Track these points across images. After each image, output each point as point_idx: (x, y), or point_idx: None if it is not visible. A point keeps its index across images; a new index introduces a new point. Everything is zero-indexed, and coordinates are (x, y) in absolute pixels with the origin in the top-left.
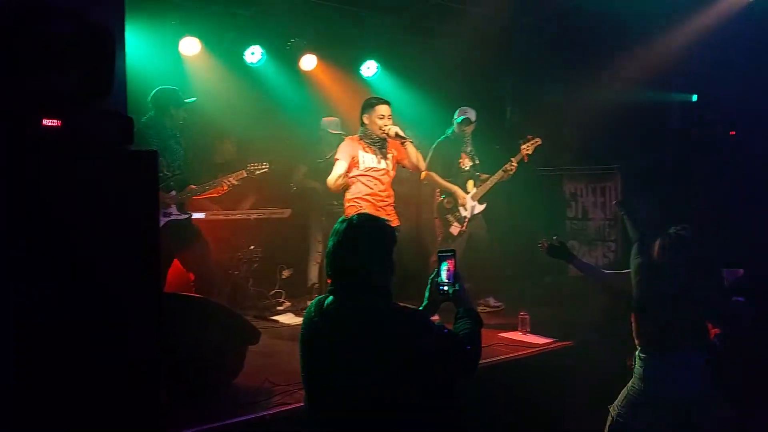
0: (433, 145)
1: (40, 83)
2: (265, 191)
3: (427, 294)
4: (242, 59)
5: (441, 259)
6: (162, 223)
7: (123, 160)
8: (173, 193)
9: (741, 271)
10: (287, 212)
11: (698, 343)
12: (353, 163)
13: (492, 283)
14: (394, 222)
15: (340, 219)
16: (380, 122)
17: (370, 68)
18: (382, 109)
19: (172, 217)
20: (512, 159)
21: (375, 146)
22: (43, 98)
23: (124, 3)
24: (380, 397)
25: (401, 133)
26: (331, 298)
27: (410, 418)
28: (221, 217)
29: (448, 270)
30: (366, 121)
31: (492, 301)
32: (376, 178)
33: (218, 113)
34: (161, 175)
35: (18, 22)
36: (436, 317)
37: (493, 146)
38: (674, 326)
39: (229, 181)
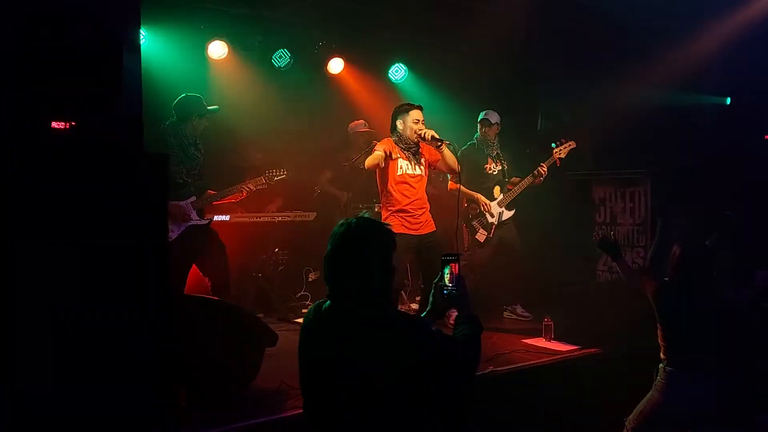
0: (458, 154)
1: (49, 87)
2: (291, 195)
3: (431, 299)
4: (269, 62)
5: (444, 263)
6: (182, 228)
7: (132, 162)
8: (193, 198)
9: None
10: (312, 215)
11: (724, 362)
12: (392, 168)
13: (521, 290)
14: (430, 228)
15: (340, 222)
16: (415, 126)
17: (398, 71)
18: (417, 114)
19: (192, 222)
20: (543, 163)
21: (409, 152)
22: (52, 101)
23: (139, 9)
24: (378, 403)
25: (437, 136)
26: (328, 302)
27: (409, 424)
28: (246, 219)
29: (451, 273)
30: (400, 126)
31: (519, 310)
32: (412, 186)
33: (244, 117)
34: (180, 181)
35: (30, 26)
36: None
37: (524, 150)
38: (700, 342)
39: (247, 187)
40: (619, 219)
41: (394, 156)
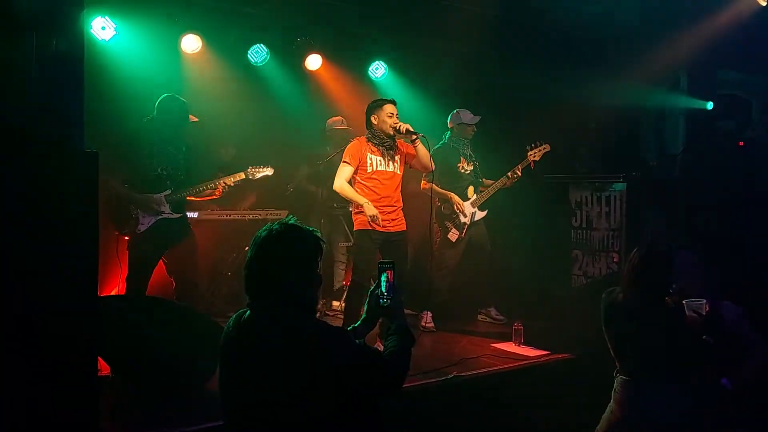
0: (430, 151)
1: None
2: (266, 192)
3: (365, 307)
4: (245, 58)
5: (381, 271)
6: (152, 221)
7: (61, 160)
8: (167, 191)
9: (706, 304)
10: (284, 214)
11: (680, 372)
12: (361, 166)
13: (496, 293)
14: (400, 227)
15: (263, 227)
16: (390, 120)
17: (378, 69)
18: (391, 108)
19: (164, 216)
20: (517, 166)
21: (383, 147)
22: None
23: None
24: (295, 415)
25: (412, 129)
26: (248, 312)
27: None
28: (216, 217)
29: (387, 282)
30: (375, 121)
31: (494, 313)
32: (382, 183)
33: (218, 113)
34: (154, 173)
35: None
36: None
37: (495, 150)
38: (652, 352)
39: (224, 183)
40: (595, 224)
41: (363, 160)
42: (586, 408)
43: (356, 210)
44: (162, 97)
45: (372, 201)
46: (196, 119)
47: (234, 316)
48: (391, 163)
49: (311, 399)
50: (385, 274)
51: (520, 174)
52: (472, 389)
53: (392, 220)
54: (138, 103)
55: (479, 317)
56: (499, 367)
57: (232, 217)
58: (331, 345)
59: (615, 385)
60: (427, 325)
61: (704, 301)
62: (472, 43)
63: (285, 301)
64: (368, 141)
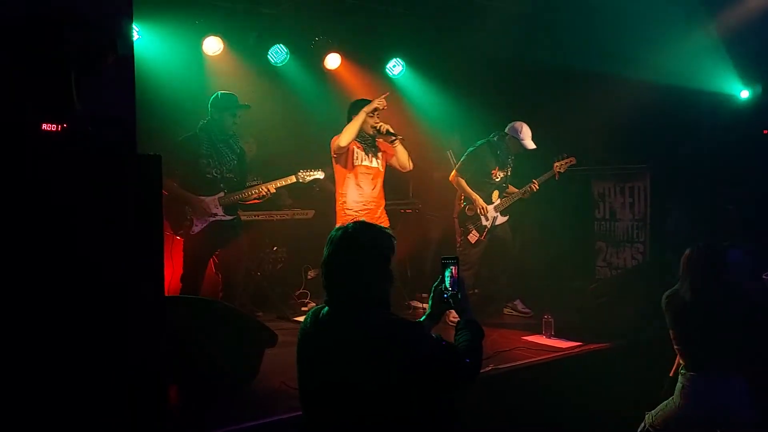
0: (470, 148)
1: (39, 88)
2: (291, 192)
3: (430, 302)
4: (265, 58)
5: (444, 266)
6: (206, 223)
7: (123, 164)
8: (221, 194)
9: None
10: (311, 213)
11: (741, 365)
12: (350, 153)
13: (521, 286)
14: (384, 224)
15: (336, 227)
16: (371, 120)
17: (396, 67)
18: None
19: (217, 218)
20: (535, 180)
21: (365, 144)
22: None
23: (131, 13)
24: (374, 409)
25: (392, 130)
26: (326, 308)
27: (405, 428)
28: (244, 218)
29: (451, 277)
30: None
31: (520, 306)
32: (366, 176)
33: (241, 113)
34: (209, 176)
35: (24, 28)
36: None
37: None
38: (714, 345)
39: (274, 186)
40: (619, 215)
41: (351, 148)
42: (622, 396)
43: (340, 210)
44: (213, 96)
45: (356, 196)
46: (247, 105)
47: (310, 312)
48: (374, 159)
49: (390, 393)
50: (449, 269)
51: (537, 188)
52: (512, 381)
53: (376, 219)
54: (164, 107)
55: (505, 311)
56: (536, 359)
57: (260, 217)
58: (410, 339)
59: (681, 380)
60: (453, 320)
61: None
62: (494, 38)
63: (362, 298)
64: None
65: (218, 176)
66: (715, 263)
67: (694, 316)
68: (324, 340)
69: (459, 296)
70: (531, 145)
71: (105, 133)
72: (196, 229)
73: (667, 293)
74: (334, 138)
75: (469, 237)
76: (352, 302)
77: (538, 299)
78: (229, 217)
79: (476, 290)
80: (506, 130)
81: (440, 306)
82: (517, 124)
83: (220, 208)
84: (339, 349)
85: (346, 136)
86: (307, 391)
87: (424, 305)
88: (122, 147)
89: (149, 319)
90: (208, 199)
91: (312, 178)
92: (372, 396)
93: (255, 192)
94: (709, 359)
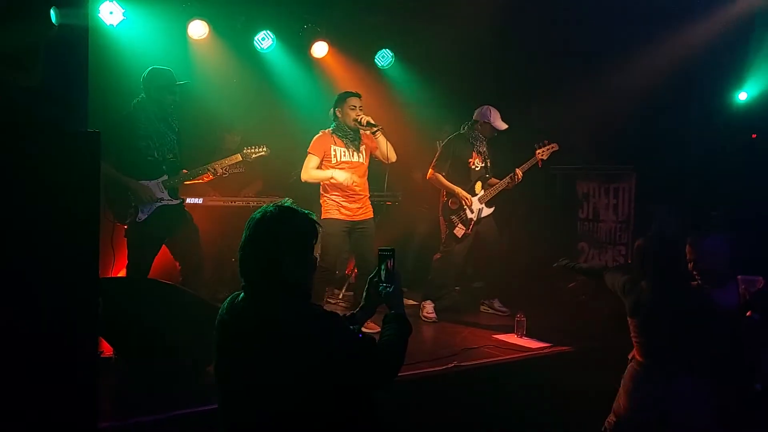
0: (443, 142)
1: None
2: (272, 179)
3: (365, 294)
4: (251, 44)
5: (381, 259)
6: (152, 208)
7: (60, 141)
8: (165, 177)
9: (760, 280)
10: (288, 201)
11: (702, 366)
12: (326, 158)
13: (500, 285)
14: (367, 215)
15: (258, 209)
16: (352, 113)
17: (384, 57)
18: (354, 101)
19: (163, 202)
20: (524, 164)
21: (347, 139)
22: None
23: None
24: (286, 400)
25: (372, 122)
26: (242, 295)
27: (320, 425)
28: (220, 203)
29: (386, 269)
30: (338, 114)
31: (497, 304)
32: (349, 171)
33: (224, 99)
34: (150, 158)
35: None
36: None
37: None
38: (673, 346)
39: (220, 166)
40: (602, 215)
41: (327, 152)
42: (586, 400)
43: (323, 196)
44: (146, 72)
45: (339, 190)
46: (186, 81)
47: (228, 298)
48: (355, 153)
49: (302, 385)
50: (385, 262)
51: (521, 178)
52: (471, 379)
53: (359, 208)
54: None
55: (482, 308)
56: (499, 358)
57: (236, 203)
58: (323, 330)
59: (628, 370)
60: (428, 315)
61: (759, 277)
62: (482, 29)
63: (279, 285)
64: (332, 133)
65: (159, 158)
66: (675, 257)
67: (654, 315)
68: (237, 328)
69: (392, 289)
70: (502, 125)
71: (43, 108)
72: (143, 216)
73: (627, 279)
74: (314, 140)
75: (455, 231)
76: (267, 290)
77: (517, 298)
78: (175, 201)
79: (457, 288)
80: (474, 117)
81: (374, 299)
82: (484, 108)
83: (165, 192)
84: (250, 339)
85: (306, 177)
86: (222, 381)
87: (408, 301)
88: (68, 123)
89: (83, 298)
90: (151, 183)
91: (257, 155)
92: (283, 387)
93: (199, 172)
94: (665, 355)
